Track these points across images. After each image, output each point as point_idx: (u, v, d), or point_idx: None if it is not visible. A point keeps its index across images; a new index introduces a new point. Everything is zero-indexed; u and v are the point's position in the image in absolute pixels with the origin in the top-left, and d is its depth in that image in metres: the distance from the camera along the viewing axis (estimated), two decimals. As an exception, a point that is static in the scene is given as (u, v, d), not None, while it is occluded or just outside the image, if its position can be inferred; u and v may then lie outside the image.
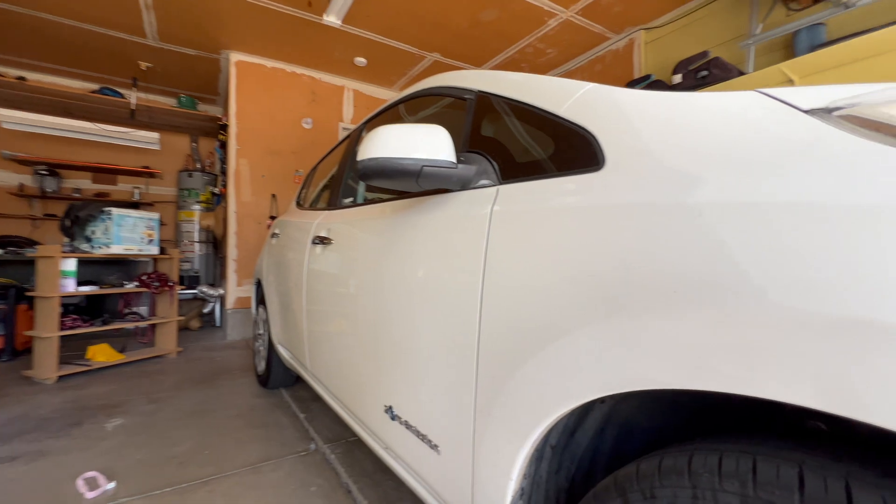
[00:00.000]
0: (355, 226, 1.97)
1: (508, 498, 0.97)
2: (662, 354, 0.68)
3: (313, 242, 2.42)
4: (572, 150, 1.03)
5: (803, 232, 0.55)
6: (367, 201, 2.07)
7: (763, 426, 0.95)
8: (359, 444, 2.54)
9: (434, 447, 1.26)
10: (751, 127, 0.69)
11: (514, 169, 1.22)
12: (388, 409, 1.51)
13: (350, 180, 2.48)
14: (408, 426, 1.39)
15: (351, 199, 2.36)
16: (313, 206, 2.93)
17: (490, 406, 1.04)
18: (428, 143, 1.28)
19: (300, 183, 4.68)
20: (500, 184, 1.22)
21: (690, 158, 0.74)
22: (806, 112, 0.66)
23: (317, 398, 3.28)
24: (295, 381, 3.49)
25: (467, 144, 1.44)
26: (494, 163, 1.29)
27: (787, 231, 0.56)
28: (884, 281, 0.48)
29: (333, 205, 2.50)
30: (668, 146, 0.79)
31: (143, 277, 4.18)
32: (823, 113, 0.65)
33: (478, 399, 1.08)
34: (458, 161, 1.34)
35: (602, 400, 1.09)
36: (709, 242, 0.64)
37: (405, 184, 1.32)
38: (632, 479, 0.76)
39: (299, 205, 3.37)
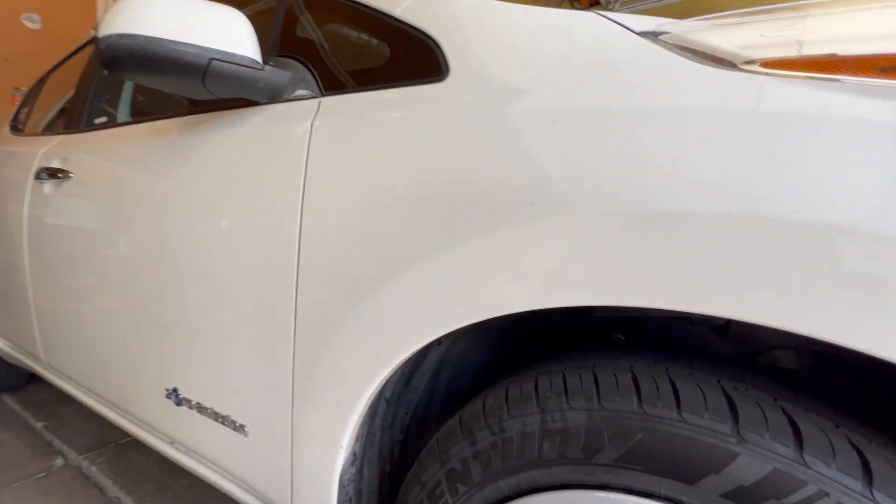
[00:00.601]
0: (111, 154, 1.39)
1: (338, 469, 0.82)
2: (512, 274, 0.61)
3: (37, 178, 1.65)
4: (412, 58, 0.86)
5: (619, 136, 0.56)
6: (133, 122, 1.48)
7: (574, 343, 1.05)
8: (135, 444, 1.98)
9: (240, 428, 1.00)
10: (585, 43, 0.67)
11: (340, 79, 0.98)
12: (172, 393, 1.14)
13: (103, 96, 1.75)
14: (200, 409, 1.07)
15: (105, 120, 1.67)
16: (42, 132, 2.01)
17: (313, 367, 0.85)
18: (220, 29, 0.92)
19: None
20: (323, 96, 0.97)
21: (522, 71, 0.68)
22: (637, 34, 0.65)
23: (66, 399, 2.42)
24: (28, 380, 2.51)
25: (278, 47, 1.11)
26: (314, 71, 1.02)
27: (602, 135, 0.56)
28: (688, 177, 0.50)
29: (75, 127, 1.74)
30: (507, 57, 0.72)
31: None
32: (651, 35, 0.65)
33: (297, 363, 0.87)
34: (266, 64, 1.02)
35: (439, 341, 1.03)
36: (524, 151, 0.60)
37: (184, 85, 0.93)
38: (478, 417, 0.70)
39: (16, 129, 2.29)
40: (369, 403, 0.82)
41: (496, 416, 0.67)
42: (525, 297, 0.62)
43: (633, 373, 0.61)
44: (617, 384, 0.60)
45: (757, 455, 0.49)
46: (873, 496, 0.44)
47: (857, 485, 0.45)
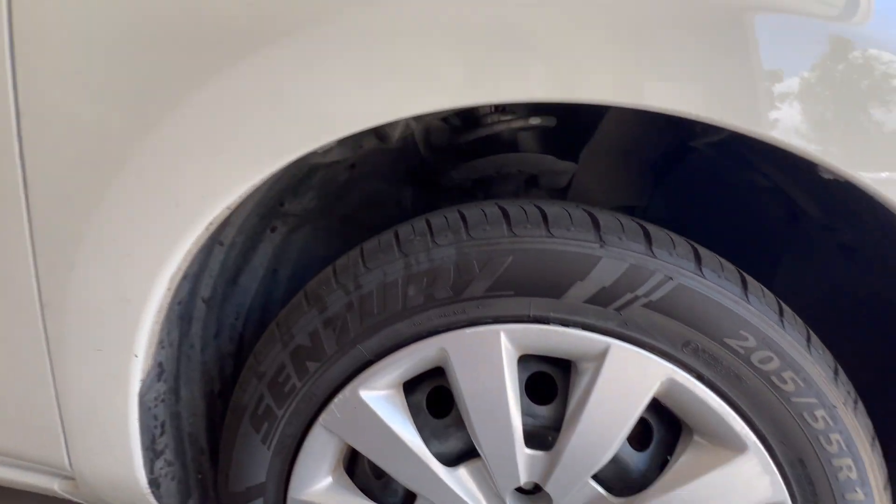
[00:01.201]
0: None
1: (134, 385, 0.60)
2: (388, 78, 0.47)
3: None
4: None
5: None
6: None
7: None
8: None
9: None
10: None
11: None
12: None
13: None
14: None
15: None
16: None
17: (69, 253, 0.57)
18: None
19: None
20: None
21: None
22: None
23: None
24: None
25: None
26: None
27: None
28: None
29: None
30: None
31: None
32: None
33: (37, 247, 0.57)
34: None
35: (272, 227, 0.84)
36: None
37: None
38: (327, 281, 0.57)
39: None
40: (174, 298, 0.61)
41: (350, 273, 0.56)
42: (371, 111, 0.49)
43: (499, 206, 0.56)
44: (485, 215, 0.54)
45: (615, 255, 0.49)
46: (702, 272, 0.49)
47: (692, 265, 0.50)
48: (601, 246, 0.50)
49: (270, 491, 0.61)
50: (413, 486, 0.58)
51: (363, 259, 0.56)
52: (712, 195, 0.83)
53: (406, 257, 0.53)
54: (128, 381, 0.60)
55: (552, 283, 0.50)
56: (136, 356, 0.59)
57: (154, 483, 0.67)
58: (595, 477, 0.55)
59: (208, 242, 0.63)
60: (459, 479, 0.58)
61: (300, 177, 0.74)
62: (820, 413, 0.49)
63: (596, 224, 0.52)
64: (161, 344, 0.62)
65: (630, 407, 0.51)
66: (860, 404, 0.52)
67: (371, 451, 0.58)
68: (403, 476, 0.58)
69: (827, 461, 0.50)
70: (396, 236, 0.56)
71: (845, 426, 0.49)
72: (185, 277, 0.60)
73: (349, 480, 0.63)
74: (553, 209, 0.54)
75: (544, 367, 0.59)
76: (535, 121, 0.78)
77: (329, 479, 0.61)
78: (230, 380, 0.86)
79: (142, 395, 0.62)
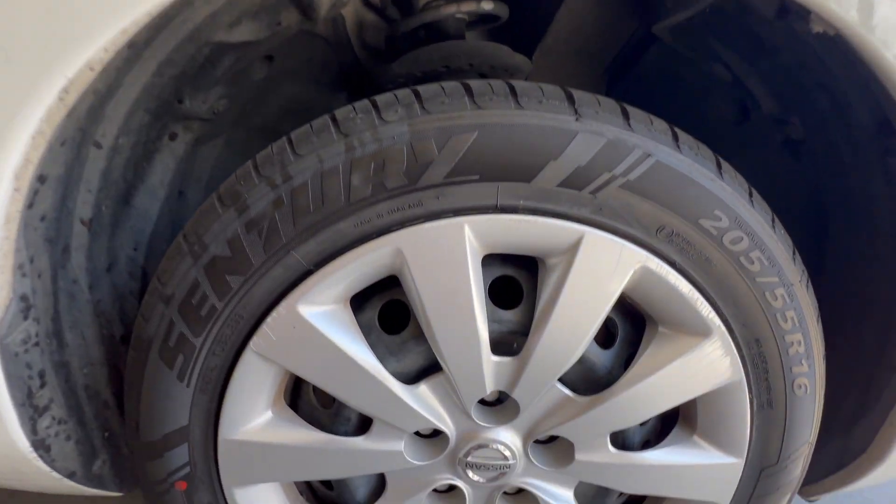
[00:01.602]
0: None
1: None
2: None
3: None
4: None
5: None
6: None
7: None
8: None
9: None
10: None
11: None
12: None
13: None
14: None
15: None
16: None
17: None
18: None
19: None
20: None
21: None
22: None
23: None
24: None
25: None
26: None
27: None
28: None
29: None
30: None
31: None
32: None
33: None
34: None
35: (172, 134, 0.67)
36: None
37: None
38: (247, 176, 0.45)
39: None
40: (28, 205, 0.45)
41: (276, 163, 0.44)
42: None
43: (459, 81, 0.47)
44: (442, 89, 0.45)
45: (592, 130, 0.43)
46: (681, 149, 0.45)
47: (670, 141, 0.46)
48: (577, 119, 0.43)
49: (196, 435, 0.51)
50: (369, 410, 0.52)
51: (292, 145, 0.44)
52: (665, 95, 0.80)
53: (347, 138, 0.43)
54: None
55: (523, 164, 0.43)
56: (-19, 286, 0.44)
57: (41, 445, 0.54)
58: (560, 379, 0.53)
59: (76, 135, 0.48)
60: (420, 397, 0.52)
61: (200, 60, 0.58)
62: (780, 291, 0.49)
63: (570, 97, 0.45)
64: (21, 270, 0.47)
65: (602, 300, 0.48)
66: (810, 282, 0.53)
67: (317, 377, 0.50)
68: (358, 400, 0.51)
69: (781, 338, 0.51)
70: (332, 116, 0.45)
71: (799, 303, 0.50)
72: (42, 179, 0.45)
73: (293, 413, 0.55)
74: (521, 84, 0.46)
75: (508, 270, 0.53)
76: (487, 5, 0.67)
77: (268, 414, 0.53)
78: (131, 322, 0.72)
79: (1, 338, 0.47)
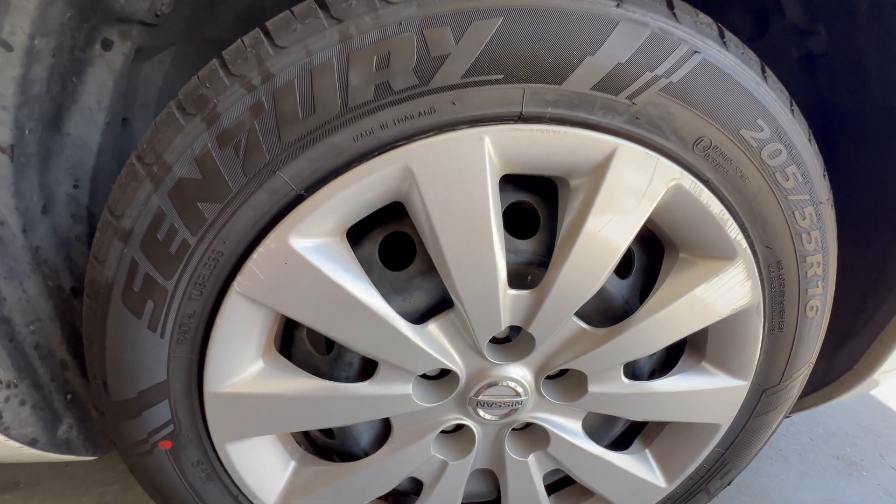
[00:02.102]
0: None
1: None
2: None
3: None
4: None
5: None
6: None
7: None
8: None
9: None
10: None
11: None
12: None
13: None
14: None
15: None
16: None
17: None
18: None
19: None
20: None
21: None
22: None
23: None
24: None
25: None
26: None
27: None
28: None
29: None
30: None
31: None
32: None
33: None
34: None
35: (106, 42, 0.53)
36: None
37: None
38: (215, 76, 0.36)
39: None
40: None
41: (251, 58, 0.35)
42: None
43: None
44: None
45: (635, 19, 0.37)
46: (728, 47, 0.40)
47: (717, 36, 0.40)
48: (618, 5, 0.36)
49: (177, 390, 0.45)
50: (374, 353, 0.47)
51: (269, 36, 0.35)
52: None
53: (341, 24, 0.34)
54: None
55: (555, 61, 0.36)
56: None
57: (-13, 412, 0.47)
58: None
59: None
60: (429, 336, 0.48)
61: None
62: (809, 210, 0.47)
63: (607, -22, 0.38)
64: None
65: (631, 225, 0.43)
66: (833, 202, 0.51)
67: (316, 319, 0.43)
68: (362, 343, 0.46)
69: (802, 259, 0.49)
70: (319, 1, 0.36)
71: (825, 223, 0.48)
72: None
73: (287, 361, 0.49)
74: None
75: (522, 196, 0.48)
76: None
77: (259, 364, 0.47)
78: (82, 272, 0.62)
79: (-88, 288, 0.38)
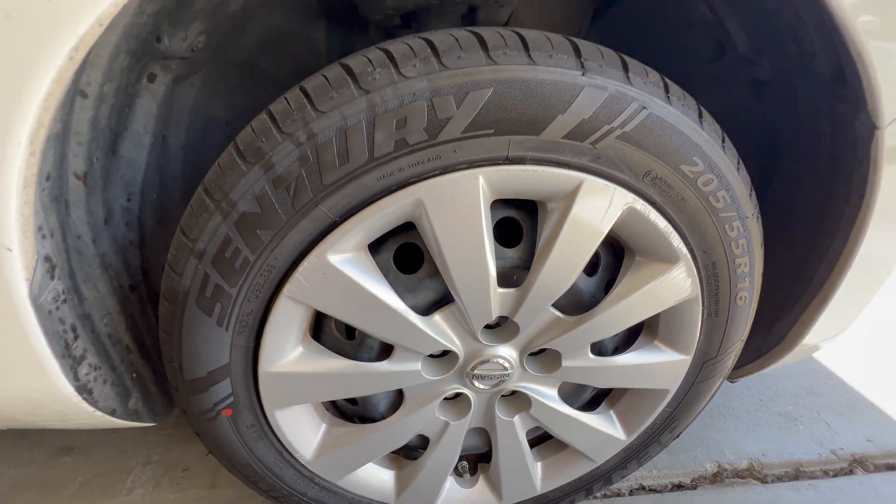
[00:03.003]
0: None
1: (22, 284, 0.46)
2: None
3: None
4: None
5: None
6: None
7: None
8: None
9: None
10: None
11: None
12: None
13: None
14: None
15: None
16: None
17: None
18: None
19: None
20: None
21: None
22: None
23: None
24: None
25: None
26: None
27: None
28: None
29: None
30: None
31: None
32: None
33: None
34: None
35: (151, 75, 0.62)
36: None
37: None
38: (268, 132, 0.46)
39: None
40: (41, 169, 0.44)
41: (297, 119, 0.45)
42: None
43: (468, 30, 0.48)
44: (456, 40, 0.46)
45: (597, 84, 0.47)
46: (671, 101, 0.50)
47: (662, 93, 0.50)
48: (583, 74, 0.47)
49: (237, 371, 0.57)
50: (391, 339, 0.59)
51: (311, 101, 0.45)
52: (648, 27, 0.82)
53: (369, 95, 0.44)
54: (9, 282, 0.46)
55: (534, 119, 0.47)
56: (10, 249, 0.44)
57: (84, 390, 0.58)
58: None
59: (70, 88, 0.45)
60: (435, 325, 0.60)
61: (180, -5, 0.53)
62: (736, 224, 0.58)
63: (576, 49, 0.47)
64: (41, 232, 0.48)
65: (594, 237, 0.55)
66: (759, 215, 0.63)
67: (348, 315, 0.55)
68: (381, 331, 0.58)
69: (732, 261, 0.61)
70: (348, 70, 0.46)
71: (750, 232, 0.60)
72: (48, 139, 0.44)
73: (321, 346, 0.62)
74: (530, 33, 0.47)
75: (510, 213, 0.59)
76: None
77: (300, 349, 0.59)
78: (140, 271, 0.73)
79: (35, 298, 0.49)
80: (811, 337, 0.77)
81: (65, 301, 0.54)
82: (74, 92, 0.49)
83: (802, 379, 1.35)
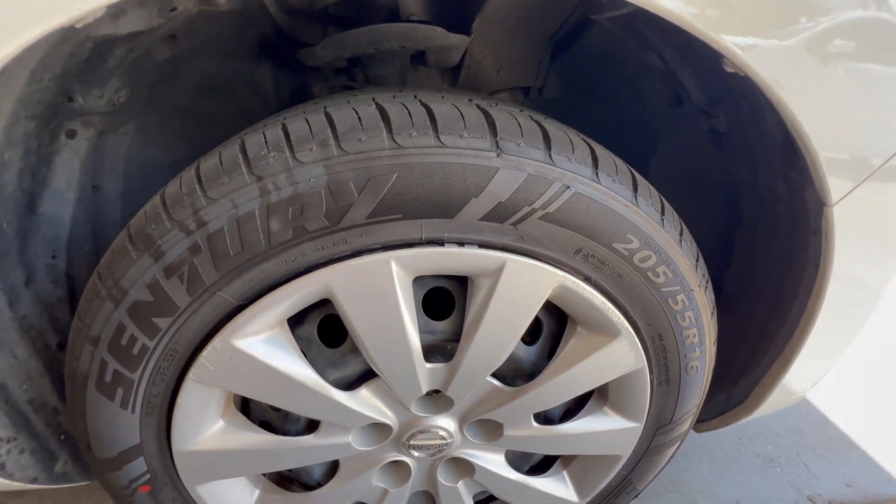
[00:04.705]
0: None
1: None
2: None
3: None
4: None
5: None
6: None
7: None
8: None
9: None
10: None
11: None
12: None
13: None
14: None
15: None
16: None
17: None
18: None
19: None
20: None
21: None
22: None
23: None
24: None
25: None
26: None
27: None
28: None
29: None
30: None
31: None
32: None
33: None
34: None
35: (70, 132, 0.59)
36: None
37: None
38: (158, 218, 0.43)
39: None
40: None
41: (187, 207, 0.42)
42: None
43: (376, 104, 0.44)
44: (359, 118, 0.42)
45: (514, 165, 0.44)
46: (599, 178, 0.47)
47: (589, 171, 0.47)
48: (498, 155, 0.43)
49: (150, 449, 0.55)
50: (314, 416, 0.56)
51: (202, 186, 0.42)
52: (606, 77, 0.78)
53: (261, 181, 0.41)
54: None
55: (444, 203, 0.43)
56: None
57: (-7, 466, 0.56)
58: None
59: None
60: (362, 400, 0.57)
61: (84, 56, 0.50)
62: (681, 297, 0.55)
63: (492, 127, 0.44)
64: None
65: (525, 314, 0.52)
66: (710, 283, 0.59)
67: (260, 395, 0.52)
68: (303, 409, 0.55)
69: (679, 333, 0.58)
70: (243, 150, 0.42)
71: (697, 304, 0.57)
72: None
73: (244, 419, 0.59)
74: (442, 108, 0.44)
75: (441, 283, 0.56)
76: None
77: (220, 423, 0.56)
78: (65, 330, 0.70)
79: (-80, 385, 0.46)
80: (776, 395, 0.73)
81: (-37, 380, 0.51)
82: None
83: (784, 415, 1.31)
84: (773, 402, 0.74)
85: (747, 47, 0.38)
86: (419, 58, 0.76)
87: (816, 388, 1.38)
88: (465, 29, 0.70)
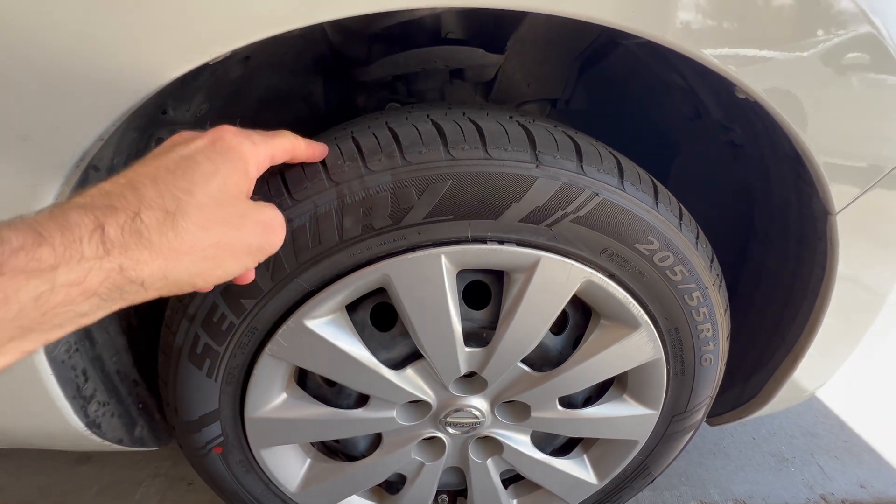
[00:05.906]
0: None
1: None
2: None
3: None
4: None
5: None
6: None
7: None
8: None
9: None
10: None
11: None
12: None
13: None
14: None
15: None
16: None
17: None
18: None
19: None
20: None
21: None
22: None
23: None
24: None
25: None
26: None
27: None
28: None
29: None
30: None
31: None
32: None
33: None
34: None
35: (159, 140, 0.69)
36: None
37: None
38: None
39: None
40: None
41: (276, 206, 0.50)
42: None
43: (432, 121, 0.52)
44: (419, 134, 0.50)
45: (550, 175, 0.51)
46: (624, 187, 0.53)
47: (616, 181, 0.53)
48: (537, 166, 0.50)
49: (226, 415, 0.63)
50: (365, 391, 0.64)
51: (288, 190, 0.50)
52: (630, 91, 0.85)
53: (338, 186, 0.49)
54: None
55: (490, 206, 0.51)
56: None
57: (93, 425, 0.65)
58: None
59: (82, 176, 0.52)
60: (407, 378, 0.64)
61: (181, 79, 0.59)
62: (696, 294, 0.61)
63: (532, 142, 0.51)
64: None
65: (554, 306, 0.59)
66: (723, 283, 0.65)
67: (323, 370, 0.61)
68: (356, 384, 0.63)
69: (694, 327, 0.64)
70: (322, 162, 0.50)
71: (711, 301, 0.62)
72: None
73: (303, 392, 0.67)
74: (489, 125, 0.51)
75: (480, 277, 0.63)
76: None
77: (283, 396, 0.65)
78: (144, 312, 0.80)
79: (49, 352, 0.55)
80: (786, 391, 0.78)
81: (77, 350, 0.61)
82: (88, 167, 0.55)
83: (800, 418, 1.34)
84: (783, 398, 0.79)
85: (755, 78, 0.45)
86: (457, 73, 0.84)
87: (833, 391, 1.40)
88: (496, 44, 0.77)
